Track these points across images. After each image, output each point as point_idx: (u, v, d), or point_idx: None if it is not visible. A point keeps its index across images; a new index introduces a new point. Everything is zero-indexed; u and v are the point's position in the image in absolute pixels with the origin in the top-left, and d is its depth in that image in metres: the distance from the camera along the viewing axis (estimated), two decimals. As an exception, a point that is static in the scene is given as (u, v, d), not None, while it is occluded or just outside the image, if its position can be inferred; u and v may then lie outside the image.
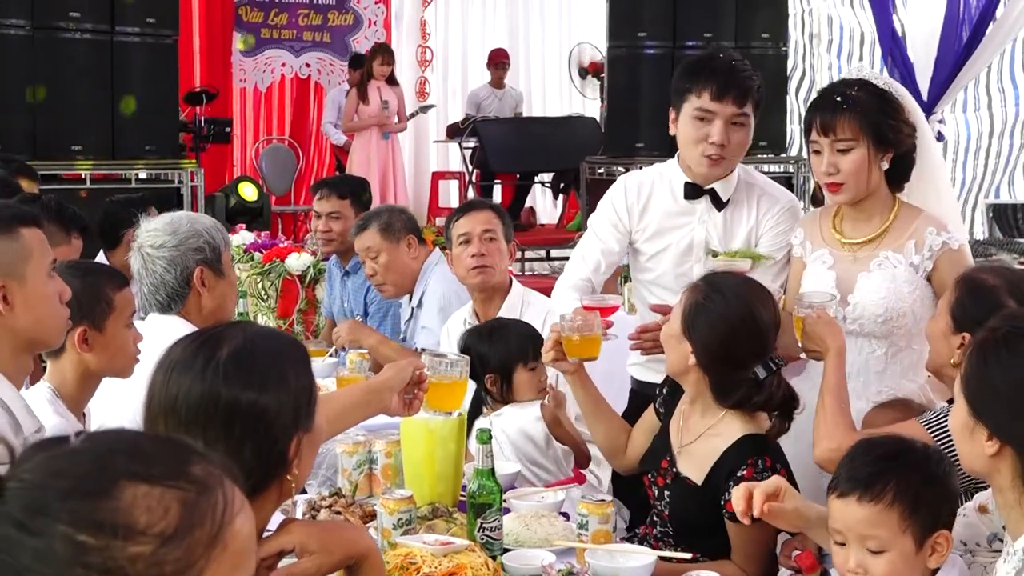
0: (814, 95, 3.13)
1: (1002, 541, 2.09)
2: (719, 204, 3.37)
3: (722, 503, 2.63)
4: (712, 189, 3.36)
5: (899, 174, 3.08)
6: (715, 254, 3.34)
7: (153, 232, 3.22)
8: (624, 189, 3.46)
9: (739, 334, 2.67)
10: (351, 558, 1.85)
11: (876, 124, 2.97)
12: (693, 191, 3.37)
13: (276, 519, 1.91)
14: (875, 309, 2.99)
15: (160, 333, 2.77)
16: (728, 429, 2.71)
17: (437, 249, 4.71)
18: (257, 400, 1.70)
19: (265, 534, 1.83)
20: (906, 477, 1.99)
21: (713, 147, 3.25)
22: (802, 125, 3.09)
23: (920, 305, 3.01)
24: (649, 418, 3.07)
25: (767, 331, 2.70)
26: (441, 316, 4.35)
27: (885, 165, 3.02)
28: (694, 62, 3.40)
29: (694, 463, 2.75)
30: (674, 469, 2.80)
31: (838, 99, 3.00)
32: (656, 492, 2.86)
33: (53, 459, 1.09)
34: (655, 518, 2.90)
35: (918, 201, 3.14)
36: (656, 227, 3.42)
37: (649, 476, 2.89)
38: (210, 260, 3.21)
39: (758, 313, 2.69)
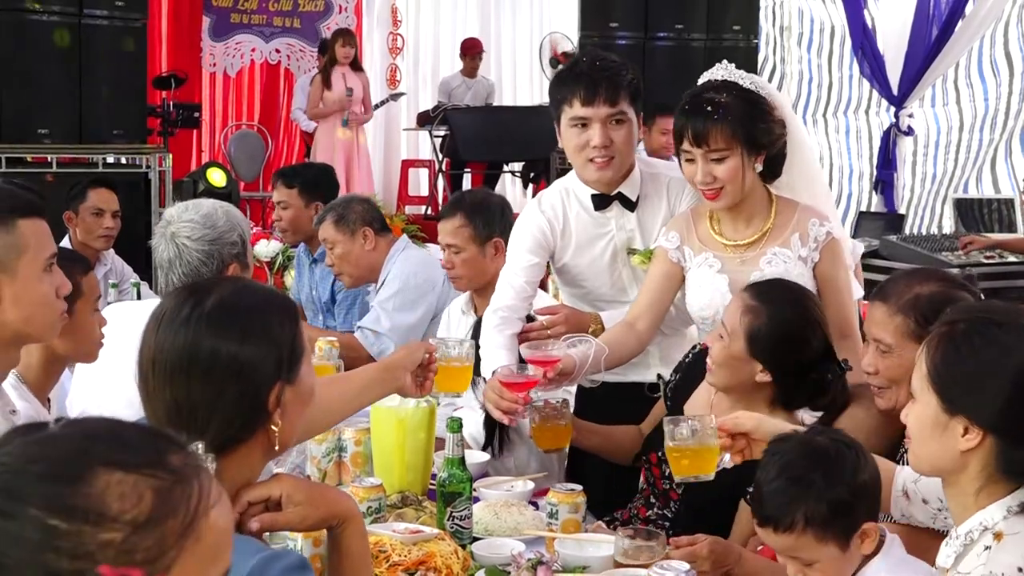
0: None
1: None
2: (630, 205, 3.31)
3: (749, 488, 2.65)
4: (620, 193, 3.30)
5: (770, 170, 3.08)
6: (634, 252, 3.31)
7: (190, 224, 3.16)
8: (540, 210, 3.37)
9: (807, 338, 2.71)
10: (334, 517, 1.87)
11: (748, 130, 2.95)
12: (602, 201, 3.31)
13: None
14: None
15: None
16: None
17: (404, 236, 4.71)
18: (239, 350, 1.73)
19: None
20: (813, 502, 2.03)
21: (596, 150, 3.18)
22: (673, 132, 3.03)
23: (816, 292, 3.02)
24: (658, 413, 3.08)
25: (825, 326, 2.75)
26: (399, 298, 4.40)
27: (759, 167, 3.02)
28: (562, 70, 3.36)
29: None
30: None
31: (708, 109, 2.96)
32: (667, 471, 2.84)
33: (31, 444, 1.08)
34: (652, 499, 2.91)
35: (790, 194, 3.15)
36: (577, 243, 3.36)
37: (659, 454, 2.88)
38: (241, 254, 3.21)
39: (814, 312, 2.75)
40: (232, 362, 1.73)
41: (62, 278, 2.31)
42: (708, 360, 2.81)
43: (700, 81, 3.14)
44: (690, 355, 3.08)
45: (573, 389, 3.36)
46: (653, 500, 2.91)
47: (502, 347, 3.19)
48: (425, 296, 4.31)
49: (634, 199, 3.31)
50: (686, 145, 2.98)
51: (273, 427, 1.77)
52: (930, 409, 1.93)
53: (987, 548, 1.88)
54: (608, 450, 3.12)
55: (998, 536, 1.88)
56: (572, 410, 3.47)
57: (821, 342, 2.74)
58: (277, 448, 1.80)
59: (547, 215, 3.36)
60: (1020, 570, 1.83)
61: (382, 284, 4.53)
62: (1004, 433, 1.87)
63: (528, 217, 3.41)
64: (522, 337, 3.23)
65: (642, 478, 3.00)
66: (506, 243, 3.63)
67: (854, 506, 2.05)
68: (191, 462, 1.12)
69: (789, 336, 2.71)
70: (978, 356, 1.89)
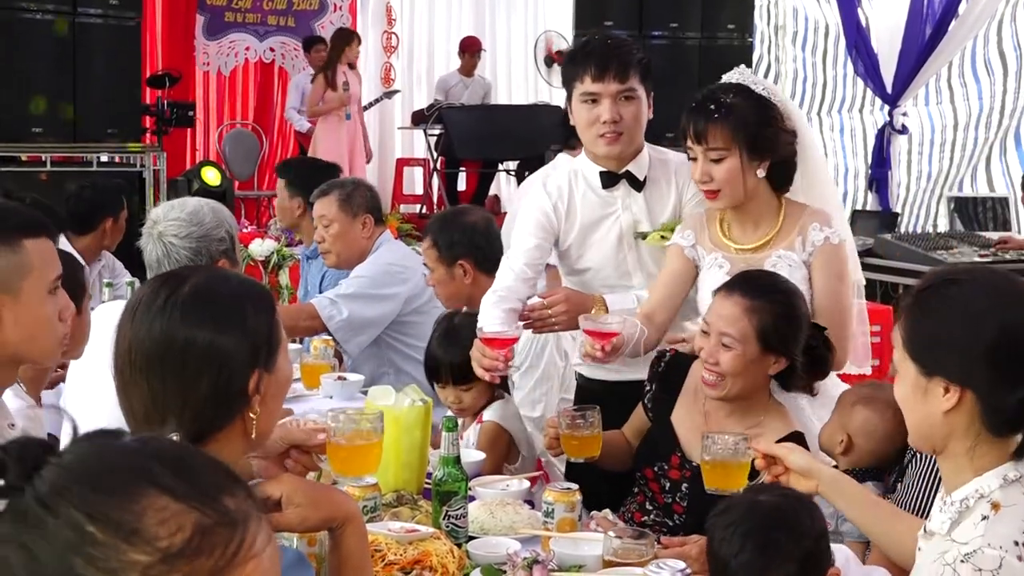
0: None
1: None
2: (637, 185, 3.33)
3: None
4: (627, 171, 3.32)
5: (781, 178, 3.07)
6: (644, 235, 3.32)
7: (177, 222, 3.20)
8: (546, 191, 3.38)
9: (803, 311, 2.80)
10: (335, 519, 1.86)
11: (750, 133, 2.96)
12: (610, 179, 3.32)
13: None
14: None
15: None
16: (772, 428, 2.75)
17: (387, 231, 4.74)
18: (213, 339, 1.74)
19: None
20: (786, 563, 2.02)
21: (606, 126, 3.22)
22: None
23: (811, 299, 3.02)
24: (638, 420, 3.08)
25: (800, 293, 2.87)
26: (363, 282, 4.42)
27: (761, 173, 3.00)
28: (574, 49, 3.40)
29: None
30: (694, 463, 2.78)
31: (712, 107, 2.97)
32: (666, 485, 2.86)
33: (96, 449, 1.07)
34: (648, 506, 2.91)
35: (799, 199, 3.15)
36: (581, 224, 3.36)
37: (654, 470, 2.88)
38: (229, 250, 3.22)
39: (788, 282, 2.86)
40: (208, 350, 1.73)
41: (66, 300, 2.27)
42: (711, 376, 2.76)
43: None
44: (662, 365, 3.04)
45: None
46: (650, 507, 2.90)
47: (498, 319, 3.19)
48: (392, 287, 4.37)
49: (642, 179, 3.33)
50: (689, 142, 3.01)
51: (251, 415, 1.77)
52: (910, 377, 1.97)
53: (984, 518, 1.88)
54: (608, 464, 3.04)
55: (995, 506, 1.88)
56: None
57: (807, 309, 2.82)
58: (255, 437, 1.79)
59: (552, 197, 3.37)
60: (1017, 543, 1.84)
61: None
62: (979, 384, 1.90)
63: (532, 199, 3.43)
64: (523, 316, 3.24)
65: (636, 489, 2.98)
66: (476, 263, 3.87)
67: (821, 554, 2.07)
68: (246, 508, 1.08)
69: (792, 315, 2.77)
70: (939, 314, 1.94)
